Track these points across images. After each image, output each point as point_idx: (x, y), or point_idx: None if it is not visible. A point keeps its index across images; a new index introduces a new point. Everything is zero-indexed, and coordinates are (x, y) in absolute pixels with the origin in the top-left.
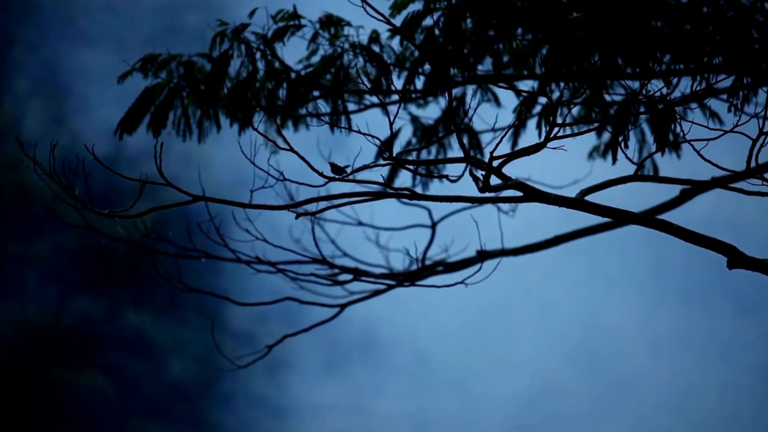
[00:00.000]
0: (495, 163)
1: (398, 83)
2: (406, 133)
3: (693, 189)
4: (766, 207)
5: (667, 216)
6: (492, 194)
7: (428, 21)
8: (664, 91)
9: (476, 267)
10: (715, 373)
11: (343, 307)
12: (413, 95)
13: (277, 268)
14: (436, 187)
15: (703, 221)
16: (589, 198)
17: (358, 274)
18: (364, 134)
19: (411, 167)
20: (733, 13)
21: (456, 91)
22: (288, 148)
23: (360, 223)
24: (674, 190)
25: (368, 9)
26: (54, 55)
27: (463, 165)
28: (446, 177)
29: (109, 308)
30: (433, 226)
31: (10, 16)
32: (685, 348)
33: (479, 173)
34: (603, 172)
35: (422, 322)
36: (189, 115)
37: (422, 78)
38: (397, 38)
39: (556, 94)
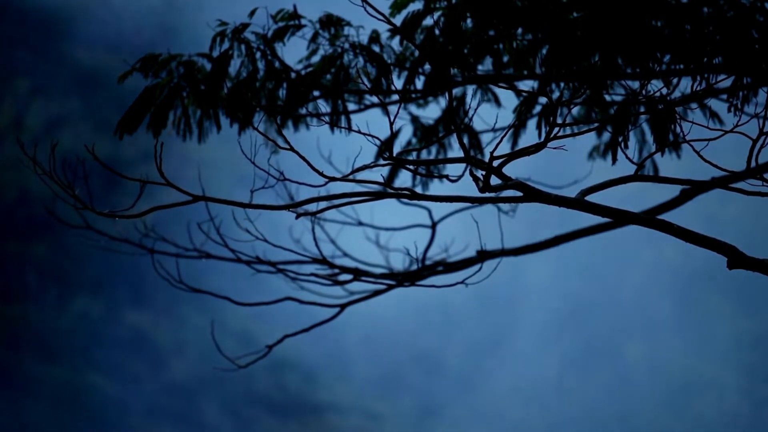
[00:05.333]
0: (495, 163)
1: (398, 83)
2: (406, 133)
3: (693, 189)
4: (766, 207)
5: (667, 216)
6: (492, 194)
7: (428, 21)
8: (664, 91)
9: (476, 267)
10: (715, 373)
11: (343, 307)
12: (413, 95)
13: (277, 268)
14: (436, 187)
15: (703, 221)
16: (589, 198)
17: (358, 274)
18: (364, 134)
19: (411, 167)
20: (733, 13)
21: (456, 91)
22: (288, 147)
23: (360, 223)
24: (674, 190)
25: (368, 9)
26: (54, 55)
27: (463, 165)
28: (446, 177)
29: (109, 308)
30: (433, 226)
31: (11, 17)
32: (684, 348)
33: (479, 173)
34: (603, 172)
35: (423, 322)
36: (189, 115)
37: (422, 78)
38: (397, 38)
39: (556, 94)
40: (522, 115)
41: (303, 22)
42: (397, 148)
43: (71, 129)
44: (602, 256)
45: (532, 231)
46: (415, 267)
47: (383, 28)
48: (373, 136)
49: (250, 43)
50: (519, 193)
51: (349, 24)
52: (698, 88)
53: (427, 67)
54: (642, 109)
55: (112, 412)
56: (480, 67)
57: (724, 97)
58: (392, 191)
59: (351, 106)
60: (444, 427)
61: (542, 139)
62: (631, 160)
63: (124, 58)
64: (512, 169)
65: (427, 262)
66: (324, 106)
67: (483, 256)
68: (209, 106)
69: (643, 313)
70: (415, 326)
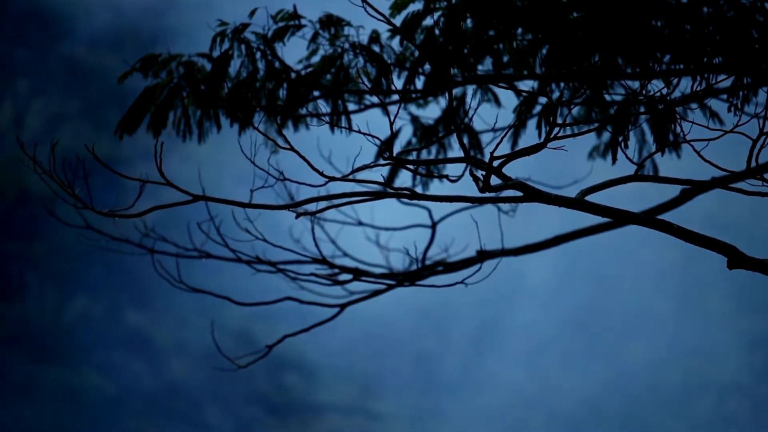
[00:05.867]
0: (495, 163)
1: (398, 83)
2: (406, 133)
3: (693, 189)
4: (766, 207)
5: (667, 216)
6: (492, 194)
7: (428, 21)
8: (664, 91)
9: (476, 267)
10: (715, 373)
11: (343, 307)
12: (413, 95)
13: (277, 268)
14: (436, 187)
15: (703, 221)
16: (589, 198)
17: (358, 274)
18: (364, 134)
19: (411, 167)
20: (733, 13)
21: (456, 91)
22: (288, 147)
23: (360, 223)
24: (674, 190)
25: (368, 9)
26: (54, 55)
27: (463, 165)
28: (446, 177)
29: (109, 308)
30: (433, 226)
31: (11, 16)
32: (684, 348)
33: (479, 173)
34: (603, 172)
35: (423, 322)
36: (189, 115)
37: (422, 78)
38: (397, 38)
39: (556, 94)
40: (522, 115)
41: (303, 22)
42: (397, 148)
43: (71, 129)
44: (602, 256)
45: (532, 231)
46: (415, 267)
47: (383, 28)
48: (373, 136)
49: (250, 43)
50: (519, 193)
51: (349, 24)
52: (698, 88)
53: (427, 67)
54: (642, 109)
55: (112, 412)
56: (480, 67)
57: (724, 97)
58: (392, 191)
59: (351, 106)
60: (444, 427)
61: (542, 139)
62: (631, 160)
63: (124, 58)
64: (512, 169)
65: (427, 262)
66: (324, 106)
67: (483, 256)
68: (209, 106)
69: (643, 313)
70: (415, 326)
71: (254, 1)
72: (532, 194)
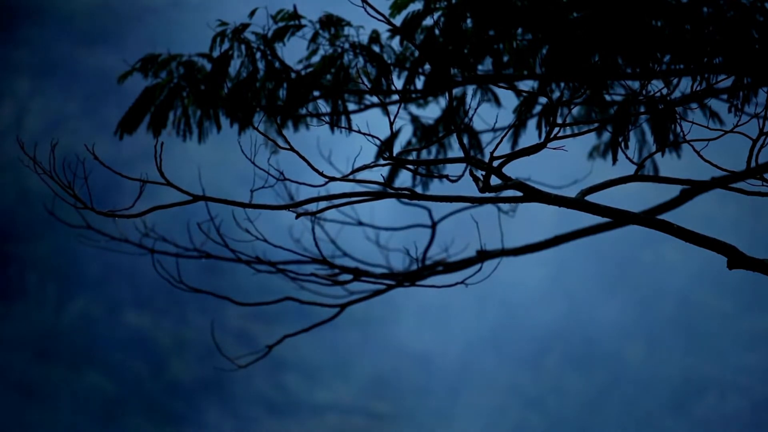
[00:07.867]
0: (495, 163)
1: (398, 83)
2: (406, 133)
3: (693, 189)
4: (766, 207)
5: (667, 216)
6: (492, 194)
7: (428, 21)
8: (664, 91)
9: (476, 267)
10: (715, 373)
11: (343, 307)
12: (413, 95)
13: (277, 268)
14: (436, 187)
15: (703, 221)
16: (589, 198)
17: (358, 274)
18: (364, 134)
19: (411, 167)
20: (733, 13)
21: (456, 91)
22: (288, 147)
23: (360, 223)
24: (674, 190)
25: (368, 9)
26: (54, 55)
27: (463, 165)
28: (446, 177)
29: (109, 308)
30: (433, 226)
31: (10, 16)
32: (684, 348)
33: (479, 173)
34: (603, 172)
35: (423, 322)
36: (189, 115)
37: (422, 78)
38: (397, 38)
39: (556, 94)
40: (522, 115)
41: (303, 22)
42: (397, 148)
43: (71, 129)
44: (602, 256)
45: (532, 231)
46: (415, 267)
47: (383, 28)
48: (373, 136)
49: (250, 44)
50: (519, 193)
51: (349, 24)
52: (698, 88)
53: (427, 67)
54: (642, 109)
55: (112, 412)
56: (480, 67)
57: (724, 97)
58: (392, 191)
59: (351, 106)
60: (444, 427)
61: (542, 139)
62: (631, 160)
63: (124, 58)
64: (512, 169)
65: (427, 262)
66: (324, 106)
67: (483, 256)
68: (209, 106)
69: (643, 313)
70: (414, 326)
71: (254, 1)
72: (532, 194)
